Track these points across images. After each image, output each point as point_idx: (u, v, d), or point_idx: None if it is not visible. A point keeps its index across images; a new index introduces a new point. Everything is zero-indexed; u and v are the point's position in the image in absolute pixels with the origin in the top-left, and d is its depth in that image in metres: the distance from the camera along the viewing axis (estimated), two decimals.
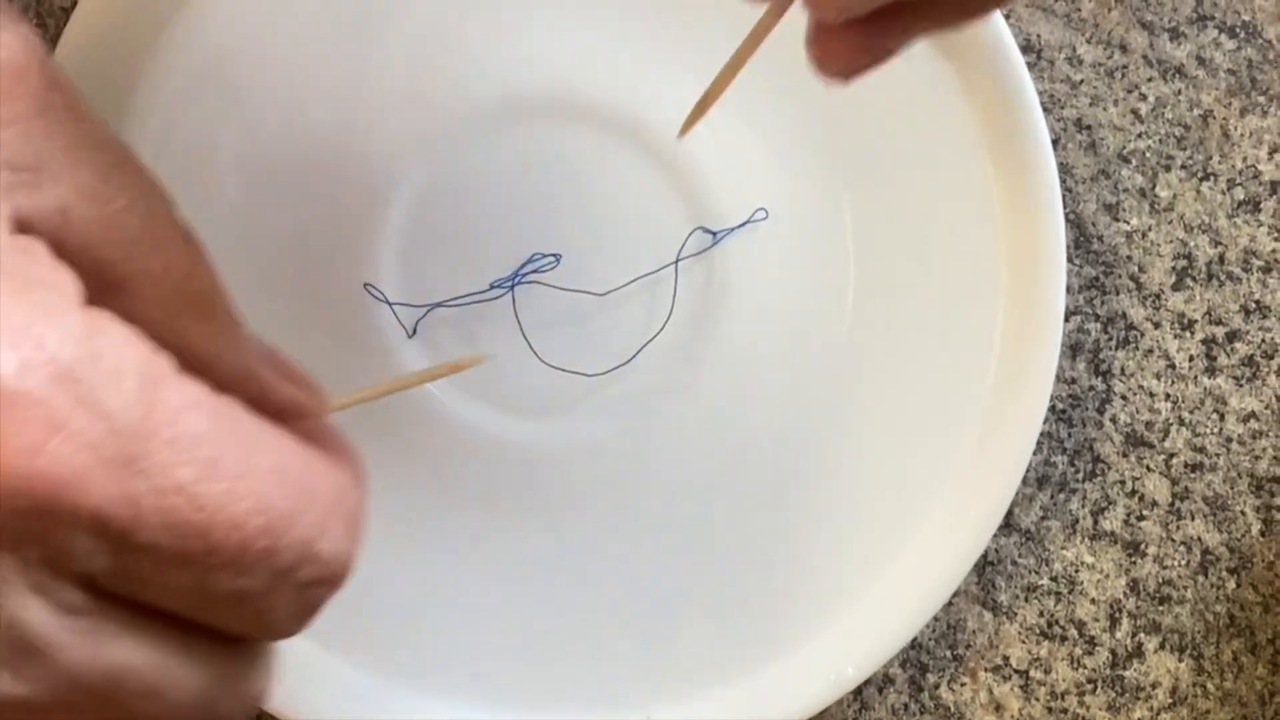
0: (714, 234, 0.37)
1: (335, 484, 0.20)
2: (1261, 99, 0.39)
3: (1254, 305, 0.38)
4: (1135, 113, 0.39)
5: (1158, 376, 0.38)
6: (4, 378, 0.16)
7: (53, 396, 0.17)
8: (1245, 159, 0.39)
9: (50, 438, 0.17)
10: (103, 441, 0.17)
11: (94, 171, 0.20)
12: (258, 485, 0.19)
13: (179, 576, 0.18)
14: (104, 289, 0.19)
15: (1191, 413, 0.38)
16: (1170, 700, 0.38)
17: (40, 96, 0.19)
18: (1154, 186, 0.39)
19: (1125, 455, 0.38)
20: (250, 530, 0.18)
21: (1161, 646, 0.38)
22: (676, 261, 0.37)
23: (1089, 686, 0.38)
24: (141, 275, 0.20)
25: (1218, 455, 0.38)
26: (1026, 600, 0.38)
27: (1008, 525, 0.38)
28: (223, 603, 0.19)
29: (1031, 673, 0.38)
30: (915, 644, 0.38)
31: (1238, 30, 0.39)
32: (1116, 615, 0.38)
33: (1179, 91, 0.39)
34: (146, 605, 0.19)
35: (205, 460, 0.18)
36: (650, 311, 0.37)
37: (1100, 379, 0.38)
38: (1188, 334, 0.38)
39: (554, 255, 0.36)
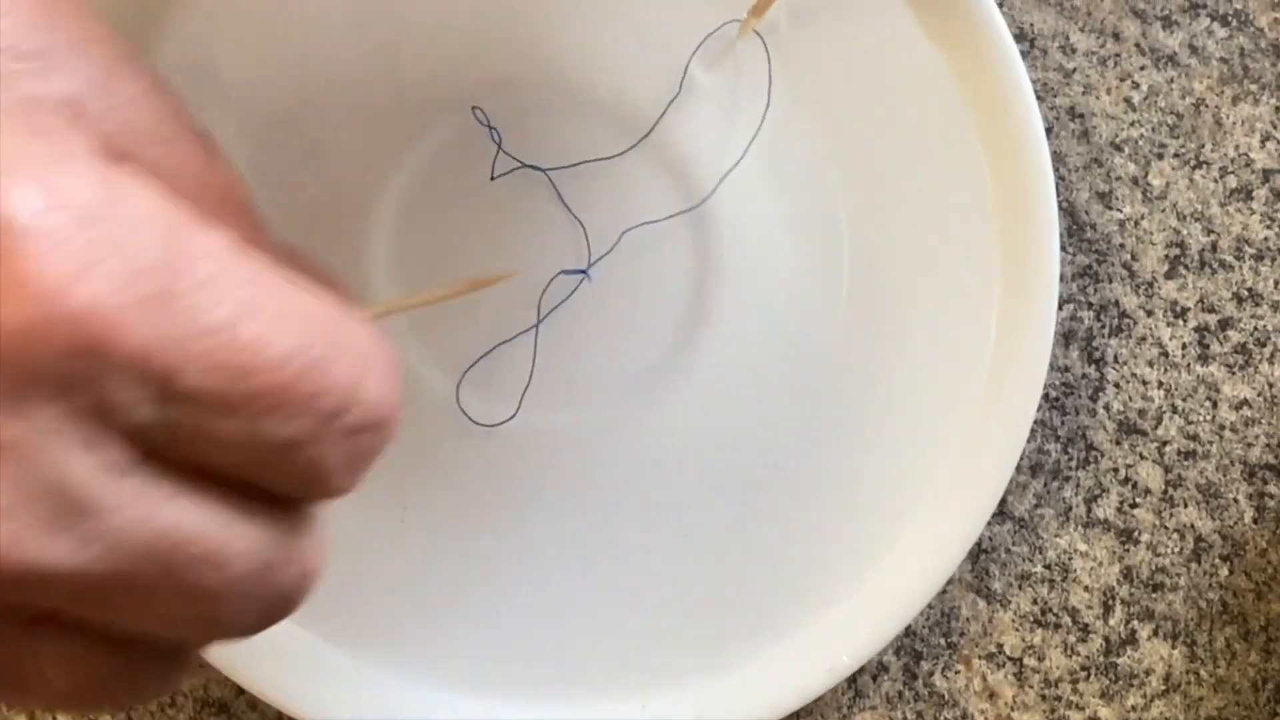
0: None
1: (369, 335, 0.20)
2: (1253, 87, 0.39)
3: (1246, 293, 0.39)
4: (1128, 101, 0.39)
5: (1151, 364, 0.38)
6: (29, 215, 0.16)
7: (80, 234, 0.16)
8: (1237, 147, 0.39)
9: (84, 274, 0.16)
10: (135, 281, 0.16)
11: (101, 65, 0.20)
12: (294, 327, 0.18)
13: (227, 426, 0.18)
14: None
15: (1184, 400, 0.38)
16: (1163, 687, 0.38)
17: None
18: (1146, 175, 0.39)
19: (1118, 443, 0.38)
20: (292, 371, 0.18)
21: (1154, 634, 0.38)
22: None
23: (1082, 674, 0.38)
24: (158, 169, 0.20)
25: (1210, 443, 0.38)
26: (1020, 588, 0.38)
27: (1001, 513, 0.38)
28: (274, 455, 0.18)
29: (1025, 660, 0.38)
30: (909, 632, 0.38)
31: (1230, 19, 0.39)
32: (1110, 603, 0.38)
33: (1171, 80, 0.39)
34: (198, 467, 0.18)
35: (240, 301, 0.17)
36: (647, 298, 0.37)
37: (1093, 367, 0.38)
38: (1180, 322, 0.38)
39: (582, 272, 0.37)
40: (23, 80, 0.18)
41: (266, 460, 0.18)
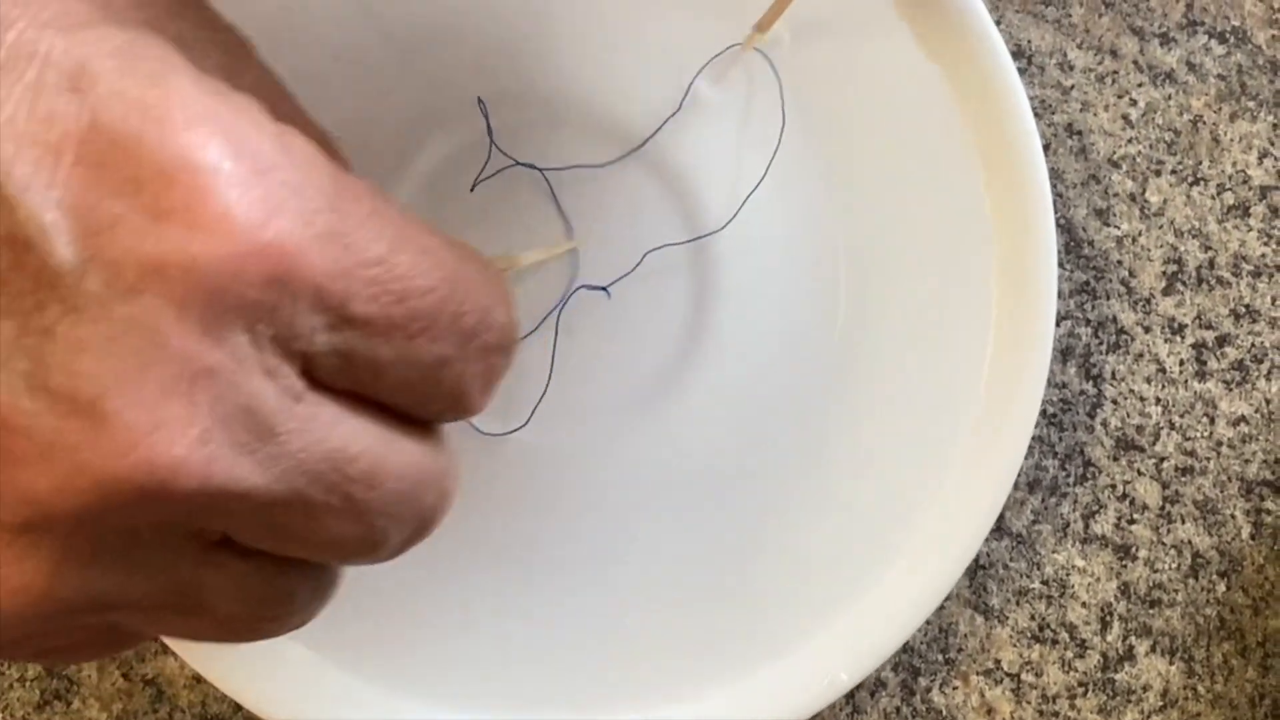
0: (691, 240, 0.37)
1: (490, 268, 0.22)
2: (1251, 104, 0.39)
3: (1244, 309, 0.39)
4: (1126, 118, 0.39)
5: (1148, 380, 0.38)
6: (224, 163, 0.18)
7: (265, 182, 0.18)
8: (1235, 164, 0.39)
9: (272, 214, 0.18)
10: (312, 219, 0.18)
11: (224, 52, 0.22)
12: (436, 258, 0.20)
13: (385, 348, 0.19)
14: None
15: (1182, 416, 0.38)
16: (1161, 703, 0.38)
17: None
18: (1144, 191, 0.39)
19: (1116, 459, 0.38)
20: (440, 294, 0.20)
21: (1152, 650, 0.38)
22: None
23: (1080, 690, 0.38)
24: None
25: (1208, 459, 0.38)
26: (1018, 604, 0.38)
27: (999, 529, 0.38)
28: (425, 373, 0.20)
29: (1023, 676, 0.38)
30: (907, 648, 0.38)
31: (1227, 36, 0.39)
32: (1107, 618, 0.38)
33: (1169, 97, 0.39)
34: (355, 392, 0.20)
35: (393, 236, 0.19)
36: (647, 313, 0.37)
37: (1091, 383, 0.38)
38: (1178, 338, 0.39)
39: (602, 289, 0.37)
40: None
41: (418, 379, 0.20)
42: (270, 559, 0.20)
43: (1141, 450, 0.38)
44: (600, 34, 0.37)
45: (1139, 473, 0.38)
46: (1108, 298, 0.39)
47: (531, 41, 0.37)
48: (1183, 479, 0.38)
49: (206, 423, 0.17)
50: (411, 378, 0.20)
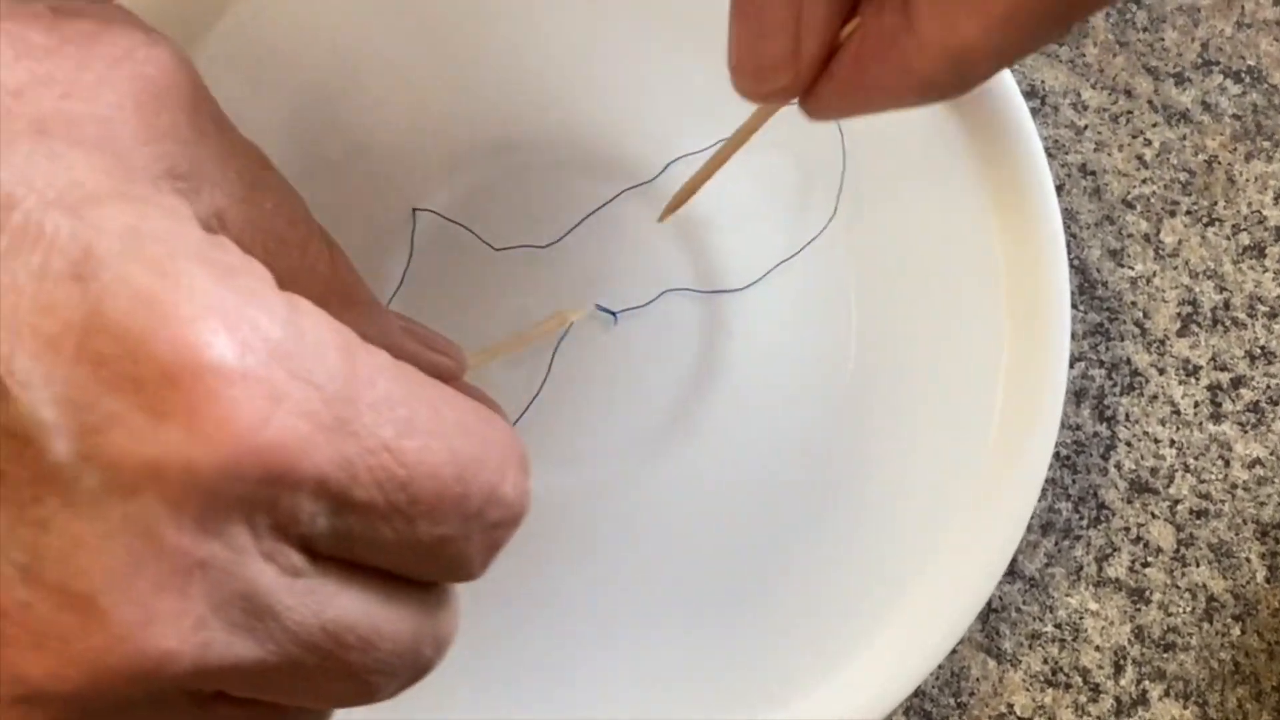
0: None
1: (505, 432, 0.21)
2: (1267, 144, 0.38)
3: (1259, 351, 0.38)
4: (1140, 158, 0.38)
5: (1162, 423, 0.38)
6: (228, 359, 0.17)
7: (271, 373, 0.18)
8: (1250, 204, 0.38)
9: (275, 410, 0.18)
10: (319, 410, 0.18)
11: (242, 177, 0.22)
12: (447, 438, 0.20)
13: (386, 530, 0.19)
14: None
15: (1196, 459, 0.38)
16: None
17: (191, 107, 0.21)
18: (1159, 232, 0.38)
19: (1130, 502, 0.38)
20: (445, 479, 0.20)
21: (1166, 694, 0.38)
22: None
23: None
24: (291, 271, 0.22)
25: (1223, 502, 0.38)
26: (1030, 648, 0.38)
27: (1012, 572, 0.38)
28: (424, 550, 0.20)
29: None
30: (919, 692, 0.38)
31: (1243, 75, 0.38)
32: (1121, 662, 0.38)
33: (1184, 137, 0.38)
34: (355, 563, 0.20)
35: (402, 419, 0.19)
36: (655, 356, 0.37)
37: (1105, 425, 0.38)
38: (1193, 380, 0.38)
39: (611, 313, 0.37)
40: (182, 201, 0.19)
41: (417, 555, 0.20)
42: (266, 705, 0.20)
43: (1156, 493, 0.38)
44: (632, 84, 0.37)
45: (1153, 515, 0.38)
46: (1121, 339, 0.38)
47: (549, 90, 0.37)
48: (1197, 522, 0.38)
49: (201, 610, 0.18)
50: (410, 554, 0.20)
